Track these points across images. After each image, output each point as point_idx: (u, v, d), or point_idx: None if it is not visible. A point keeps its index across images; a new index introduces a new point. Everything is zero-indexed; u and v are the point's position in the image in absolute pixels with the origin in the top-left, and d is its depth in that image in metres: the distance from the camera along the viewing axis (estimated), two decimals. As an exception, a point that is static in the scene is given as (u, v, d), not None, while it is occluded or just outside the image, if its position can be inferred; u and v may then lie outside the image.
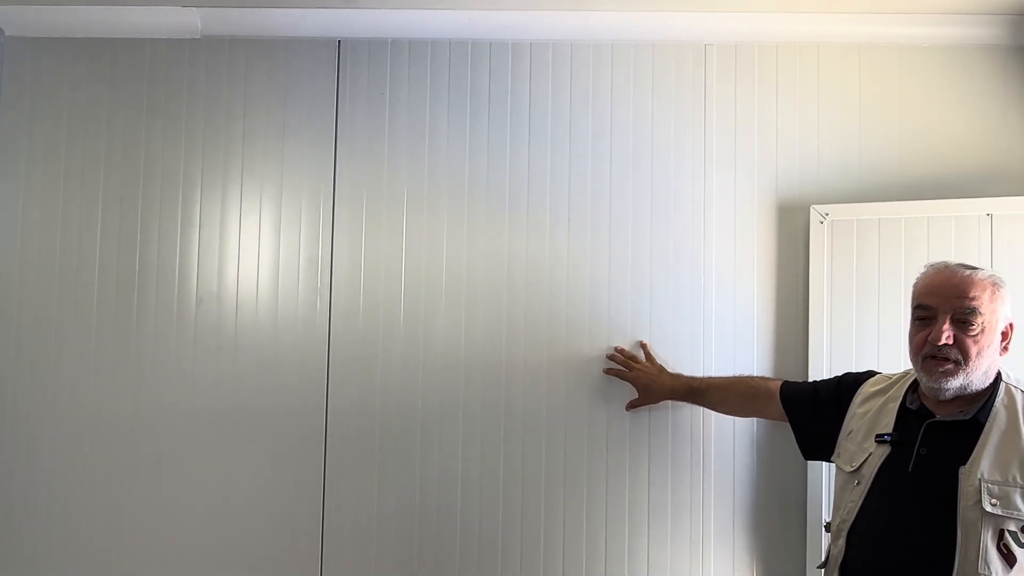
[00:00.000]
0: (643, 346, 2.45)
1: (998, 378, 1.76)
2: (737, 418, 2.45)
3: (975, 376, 1.72)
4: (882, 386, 1.94)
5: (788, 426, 2.16)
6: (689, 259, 2.51)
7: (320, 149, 2.54)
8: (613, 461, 2.48)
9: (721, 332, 2.50)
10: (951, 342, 1.70)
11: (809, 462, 2.33)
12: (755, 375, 2.38)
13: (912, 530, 1.69)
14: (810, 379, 2.38)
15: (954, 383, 1.72)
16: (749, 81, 2.55)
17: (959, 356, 1.70)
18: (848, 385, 2.02)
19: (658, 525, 2.47)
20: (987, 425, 1.69)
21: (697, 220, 2.52)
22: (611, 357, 2.44)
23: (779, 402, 2.14)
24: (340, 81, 2.56)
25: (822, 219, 2.43)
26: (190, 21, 2.54)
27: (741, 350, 2.49)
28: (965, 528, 1.62)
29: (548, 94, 2.56)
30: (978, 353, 1.70)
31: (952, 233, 2.33)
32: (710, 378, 2.37)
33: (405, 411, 2.49)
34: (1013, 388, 1.74)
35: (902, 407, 1.82)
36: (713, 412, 2.43)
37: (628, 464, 2.48)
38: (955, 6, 2.48)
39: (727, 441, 2.48)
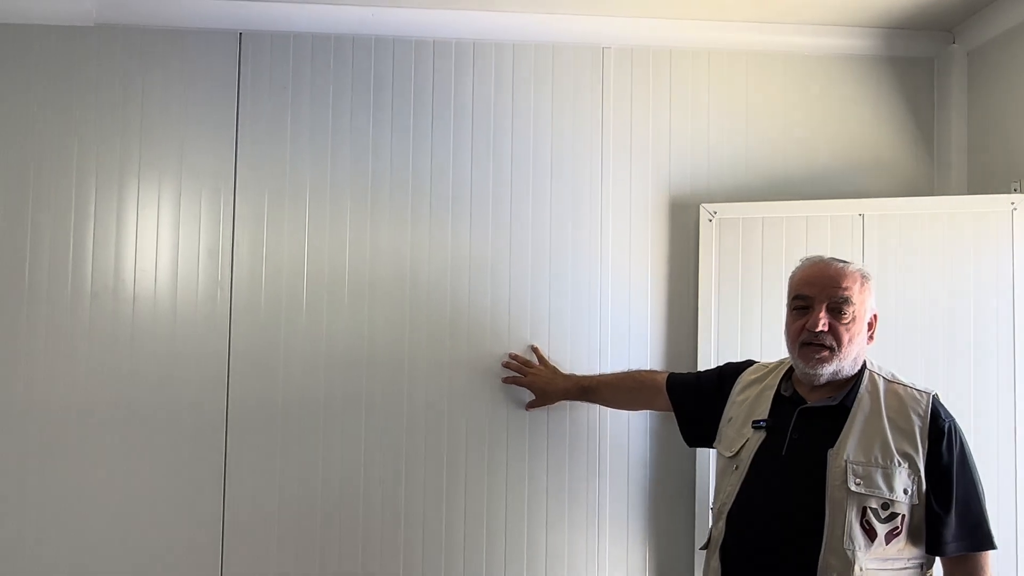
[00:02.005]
0: (535, 349, 2.53)
1: (864, 366, 1.88)
2: (630, 423, 2.57)
3: (847, 362, 1.83)
4: (759, 374, 2.04)
5: (676, 433, 2.26)
6: (586, 254, 2.60)
7: (220, 142, 2.52)
8: (513, 451, 2.55)
9: (616, 324, 2.60)
10: (827, 329, 1.81)
11: (698, 449, 2.45)
12: (644, 369, 2.49)
13: (785, 510, 1.79)
14: (698, 365, 2.51)
15: (828, 368, 1.82)
16: (644, 84, 2.66)
17: (833, 343, 1.81)
18: (728, 374, 2.13)
19: (556, 510, 2.55)
20: (853, 410, 1.81)
21: (594, 216, 2.61)
22: (506, 364, 2.51)
23: (666, 394, 2.25)
24: (241, 74, 2.54)
25: (711, 217, 2.55)
26: (84, 8, 2.48)
27: (635, 341, 2.60)
28: (832, 506, 1.73)
29: (450, 91, 2.60)
30: (849, 340, 1.81)
31: (828, 231, 2.48)
32: (600, 376, 2.46)
33: (307, 405, 2.50)
34: (876, 375, 1.86)
35: (777, 394, 1.93)
36: (608, 428, 2.55)
37: (528, 453, 2.56)
38: (833, 18, 2.64)
39: (621, 428, 2.58)
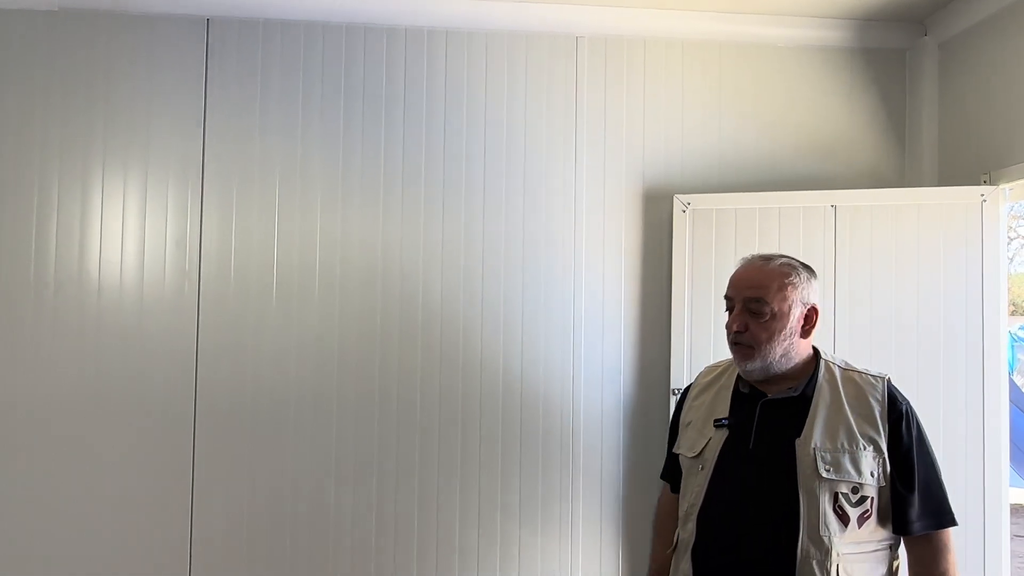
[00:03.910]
0: None
1: (818, 356, 1.89)
2: (604, 416, 2.56)
3: (772, 358, 1.82)
4: (713, 376, 2.03)
5: (650, 426, 2.19)
6: (560, 244, 2.59)
7: (188, 130, 2.47)
8: (486, 452, 2.53)
9: (590, 314, 2.59)
10: (743, 329, 1.82)
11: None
12: (657, 503, 2.19)
13: (758, 505, 1.79)
14: (672, 357, 2.53)
15: (752, 365, 1.83)
16: (618, 73, 2.65)
17: (751, 341, 1.82)
18: (683, 393, 2.10)
19: (529, 517, 2.53)
20: (814, 399, 1.81)
21: (568, 206, 2.60)
22: None
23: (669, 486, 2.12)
24: (209, 61, 2.49)
25: (684, 208, 2.55)
26: (46, -8, 2.43)
27: (609, 331, 2.59)
28: (806, 495, 1.74)
29: (423, 80, 2.57)
30: (768, 339, 1.81)
31: (800, 222, 2.49)
32: (653, 549, 2.14)
33: (277, 399, 2.47)
34: (831, 364, 1.88)
35: (735, 392, 1.92)
36: (582, 417, 2.55)
37: (500, 455, 2.54)
38: (807, 9, 2.64)
39: (595, 434, 2.57)
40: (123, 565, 2.40)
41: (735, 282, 1.89)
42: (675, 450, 2.00)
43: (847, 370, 1.87)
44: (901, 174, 2.73)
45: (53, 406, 2.40)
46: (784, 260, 1.87)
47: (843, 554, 1.72)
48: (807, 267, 1.88)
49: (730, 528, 1.81)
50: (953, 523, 1.78)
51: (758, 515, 1.78)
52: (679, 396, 2.12)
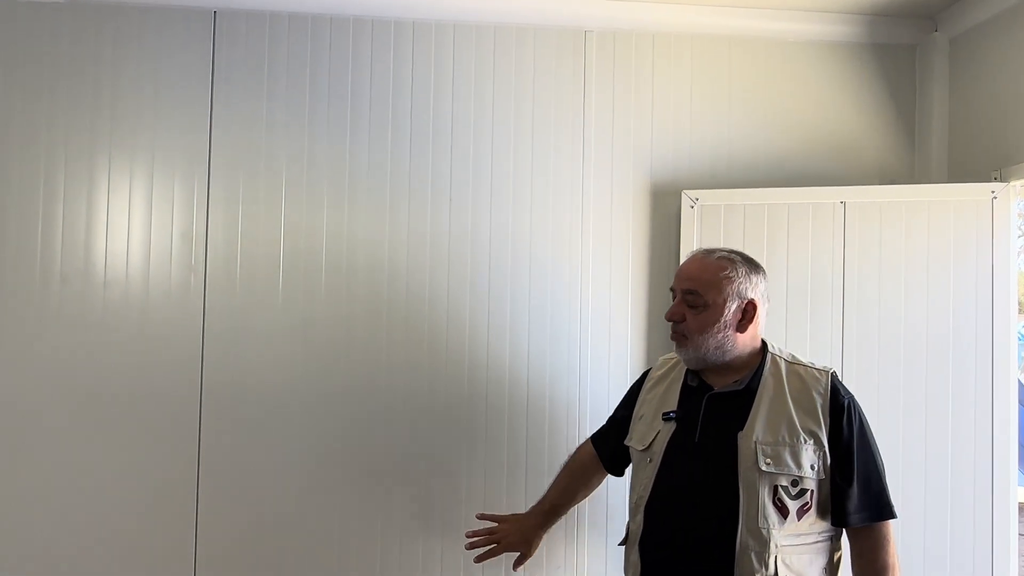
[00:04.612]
0: (482, 517, 2.25)
1: (765, 350, 1.90)
2: (609, 412, 2.50)
3: (706, 349, 1.85)
4: (666, 369, 2.04)
5: None
6: (567, 240, 2.58)
7: (194, 122, 2.46)
8: (492, 449, 2.53)
9: (597, 311, 2.58)
10: (680, 320, 1.88)
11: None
12: (572, 452, 2.27)
13: (703, 497, 1.80)
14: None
15: (687, 353, 1.89)
16: (626, 68, 2.63)
17: (685, 330, 1.87)
18: (638, 383, 2.12)
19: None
20: (758, 392, 1.84)
21: (575, 202, 2.59)
22: (472, 545, 2.18)
23: (596, 452, 2.16)
24: (216, 53, 2.48)
25: (692, 204, 2.54)
26: (53, -16, 2.42)
27: (615, 329, 2.58)
28: (746, 488, 1.76)
29: (430, 73, 2.56)
30: (700, 330, 1.85)
31: (809, 218, 2.47)
32: (550, 488, 2.24)
33: (283, 394, 2.46)
34: (777, 357, 1.90)
35: (684, 386, 1.94)
36: (588, 415, 2.53)
37: (506, 452, 2.53)
38: (817, 4, 2.62)
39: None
40: (126, 560, 2.40)
41: (677, 273, 1.95)
42: (626, 442, 2.02)
43: (793, 364, 1.89)
44: (911, 170, 2.71)
45: (57, 400, 2.39)
46: (723, 254, 1.89)
47: (782, 546, 1.75)
48: (751, 262, 1.89)
49: (677, 520, 1.84)
50: (892, 515, 1.80)
51: (703, 508, 1.81)
52: (638, 378, 2.14)
